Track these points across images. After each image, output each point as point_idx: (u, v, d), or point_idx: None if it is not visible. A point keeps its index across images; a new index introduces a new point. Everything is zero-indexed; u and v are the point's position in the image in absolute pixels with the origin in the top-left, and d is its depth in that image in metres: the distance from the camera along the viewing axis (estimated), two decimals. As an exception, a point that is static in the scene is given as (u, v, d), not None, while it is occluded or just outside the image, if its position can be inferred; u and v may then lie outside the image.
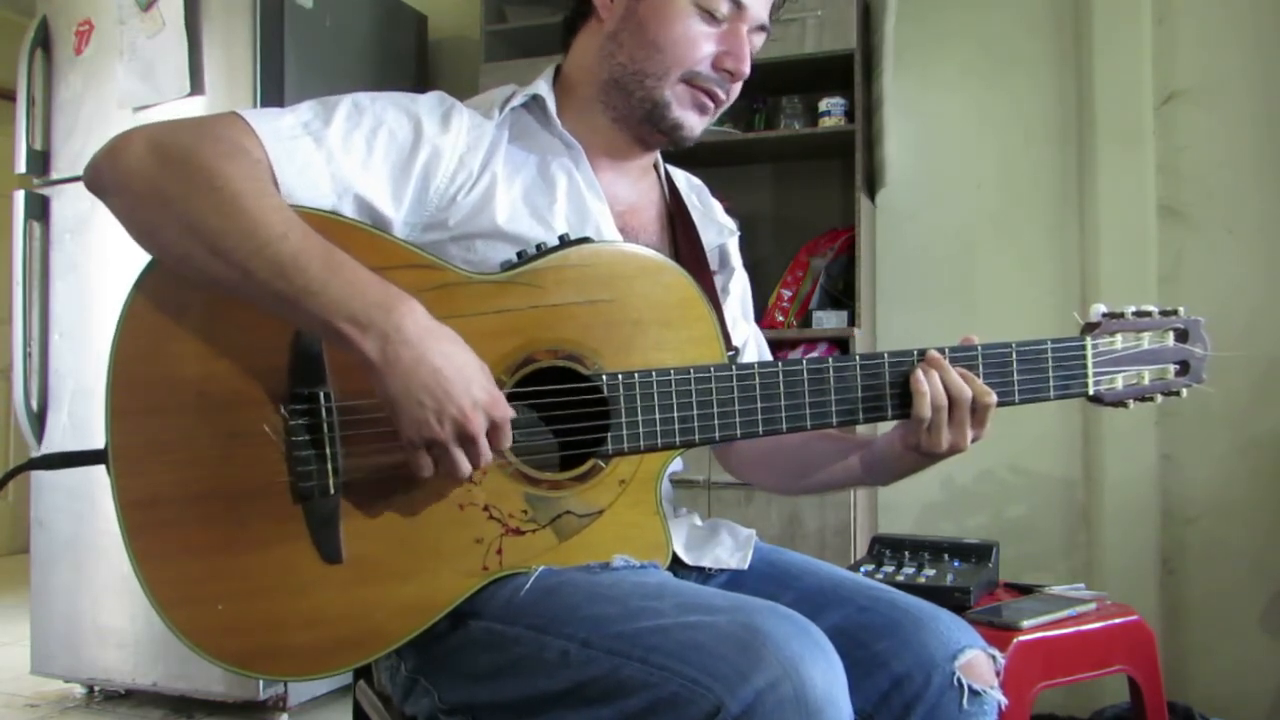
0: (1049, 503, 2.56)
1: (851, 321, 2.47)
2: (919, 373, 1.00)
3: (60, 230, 2.61)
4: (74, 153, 2.60)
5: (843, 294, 2.60)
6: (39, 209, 2.62)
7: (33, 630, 2.65)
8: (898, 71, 2.55)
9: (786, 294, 2.58)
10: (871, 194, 2.61)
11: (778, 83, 2.67)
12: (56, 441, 2.58)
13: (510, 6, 2.96)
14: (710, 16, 1.05)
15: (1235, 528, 2.38)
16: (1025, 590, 1.83)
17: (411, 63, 3.05)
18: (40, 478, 2.62)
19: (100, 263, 2.53)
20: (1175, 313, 1.09)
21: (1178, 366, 1.09)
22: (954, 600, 1.66)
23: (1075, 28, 2.57)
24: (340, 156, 0.96)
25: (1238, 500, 2.38)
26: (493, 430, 0.88)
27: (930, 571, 1.78)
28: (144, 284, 0.91)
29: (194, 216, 0.86)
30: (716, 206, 1.28)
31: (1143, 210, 2.46)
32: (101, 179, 0.91)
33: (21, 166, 2.63)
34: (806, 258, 2.61)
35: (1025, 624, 1.57)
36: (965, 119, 2.67)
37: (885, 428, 1.07)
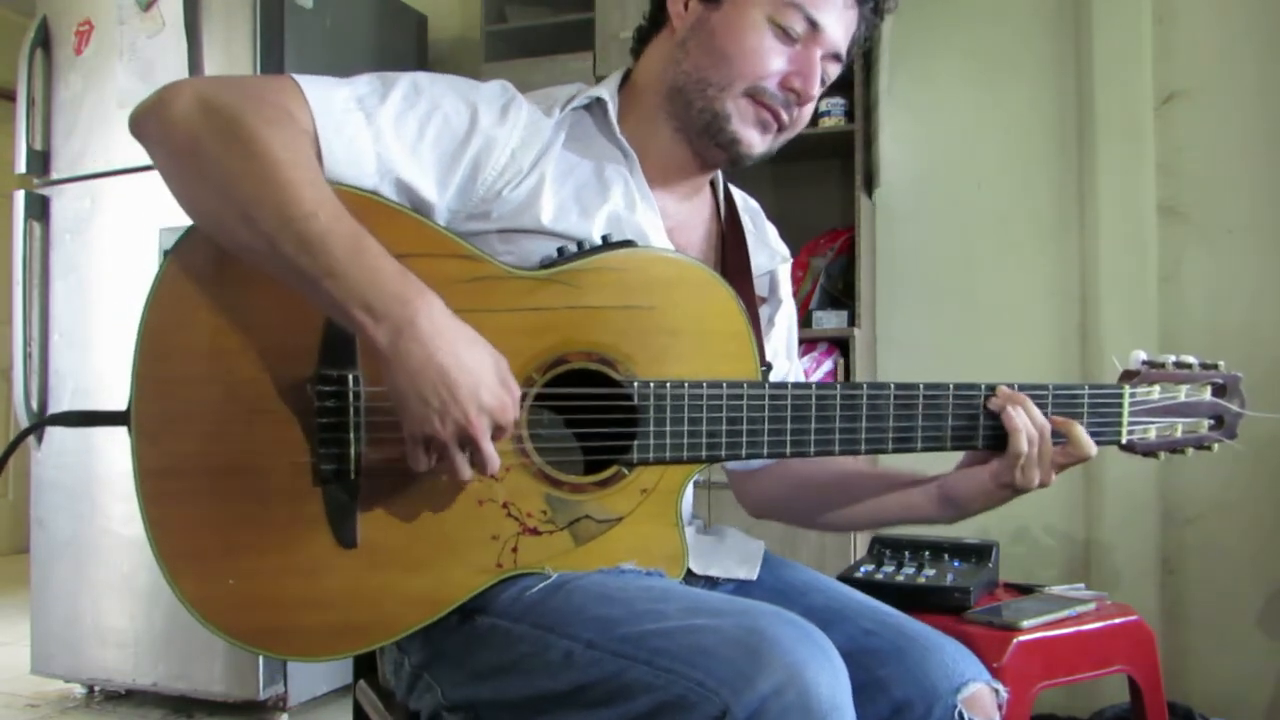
0: (1049, 503, 2.56)
1: (851, 321, 2.47)
2: (1010, 409, 1.00)
3: (60, 230, 2.60)
4: (74, 153, 2.60)
5: (843, 294, 2.60)
6: (39, 209, 2.62)
7: (33, 630, 2.65)
8: (898, 71, 2.55)
9: (786, 294, 2.58)
10: (871, 194, 2.61)
11: (778, 83, 2.67)
12: (57, 441, 2.57)
13: (510, 6, 2.96)
14: (785, 34, 1.02)
15: (1235, 528, 2.38)
16: (1025, 590, 1.83)
17: (412, 63, 3.05)
18: (40, 478, 2.62)
19: (100, 263, 2.53)
20: (1216, 366, 1.09)
21: (1212, 421, 1.09)
22: (954, 600, 1.66)
23: (1075, 28, 2.57)
24: (389, 138, 0.95)
25: (1237, 500, 2.38)
26: (498, 434, 0.87)
27: (930, 571, 1.78)
28: (179, 252, 0.91)
29: (229, 180, 0.85)
30: (771, 231, 1.25)
31: (1143, 210, 2.46)
32: (145, 127, 0.90)
33: (21, 166, 2.63)
34: (806, 258, 2.61)
35: (1025, 624, 1.56)
36: (965, 119, 2.67)
37: (897, 460, 1.06)
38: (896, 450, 1.02)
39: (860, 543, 2.32)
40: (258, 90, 0.91)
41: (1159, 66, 2.47)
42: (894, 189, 2.60)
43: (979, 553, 1.83)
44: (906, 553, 1.87)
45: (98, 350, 2.51)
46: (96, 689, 2.67)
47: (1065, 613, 1.64)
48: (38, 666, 2.64)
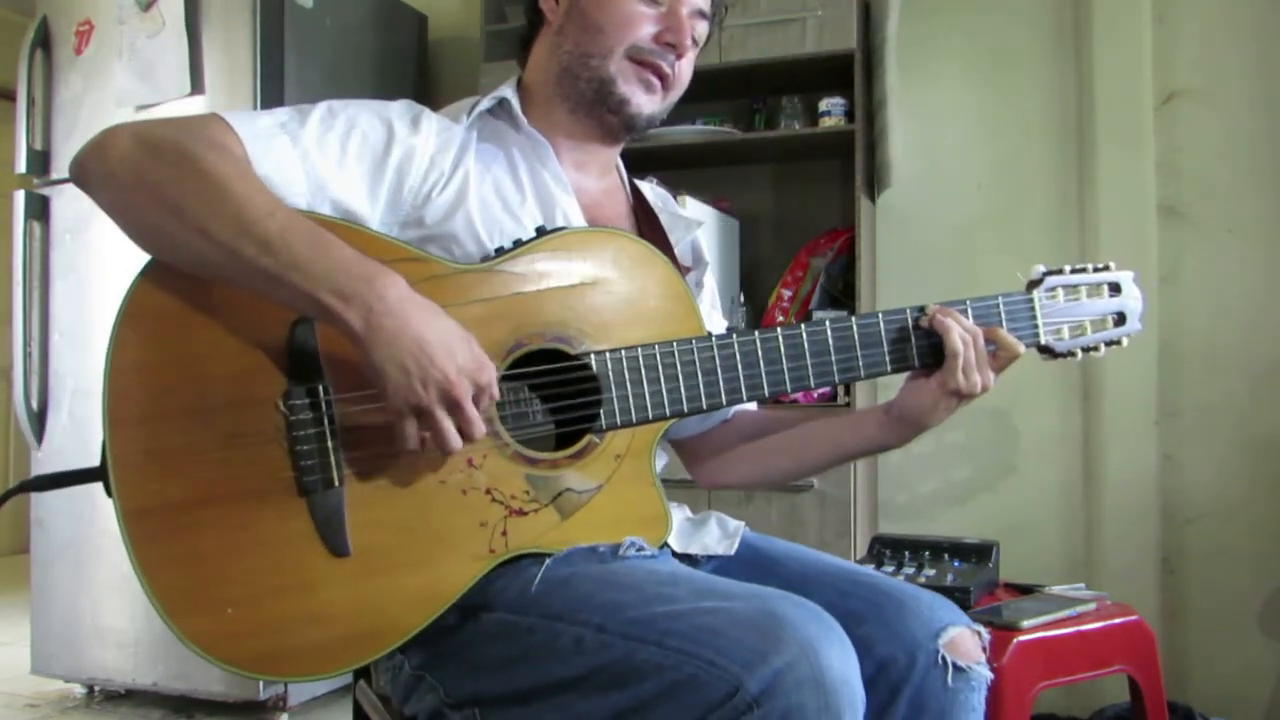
0: (1049, 503, 2.56)
1: (851, 321, 2.47)
2: (939, 315, 1.07)
3: (60, 230, 2.61)
4: (74, 153, 2.59)
5: (843, 294, 2.60)
6: (39, 209, 2.62)
7: (33, 630, 2.65)
8: (898, 71, 2.55)
9: (786, 294, 2.58)
10: (872, 194, 2.61)
11: (778, 83, 2.67)
12: (57, 442, 2.58)
13: (510, 6, 2.96)
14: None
15: (1235, 528, 2.38)
16: (1025, 590, 1.83)
17: (411, 63, 3.05)
18: (40, 478, 2.62)
19: (100, 263, 2.53)
20: (1107, 268, 1.17)
21: (1115, 317, 1.17)
22: (954, 600, 1.66)
23: (1075, 28, 2.57)
24: (315, 156, 0.99)
25: (1238, 500, 2.38)
26: (479, 395, 0.89)
27: (930, 571, 1.78)
28: (135, 294, 0.92)
29: (181, 200, 0.88)
30: (679, 208, 1.32)
31: (1143, 210, 2.46)
32: (87, 172, 0.94)
33: (21, 166, 2.63)
34: (806, 258, 2.61)
35: (1025, 624, 1.57)
36: (965, 119, 2.67)
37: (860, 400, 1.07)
38: (843, 380, 1.08)
39: (860, 543, 2.32)
40: (188, 124, 0.95)
41: (1159, 66, 2.47)
42: (894, 189, 2.59)
43: (979, 553, 1.83)
44: (906, 553, 1.87)
45: (98, 350, 2.47)
46: (96, 689, 2.67)
47: (1065, 613, 1.65)
48: (38, 666, 2.64)
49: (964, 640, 0.96)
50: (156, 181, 0.89)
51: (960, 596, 1.67)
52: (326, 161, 0.99)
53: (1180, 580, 2.43)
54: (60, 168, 2.62)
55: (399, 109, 1.07)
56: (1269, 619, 2.36)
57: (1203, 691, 2.35)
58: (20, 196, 2.60)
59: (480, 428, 0.89)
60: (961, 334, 1.06)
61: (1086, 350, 1.15)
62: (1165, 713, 1.73)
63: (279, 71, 2.44)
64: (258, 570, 0.90)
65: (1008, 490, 2.59)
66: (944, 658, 0.94)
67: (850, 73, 2.48)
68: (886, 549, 1.90)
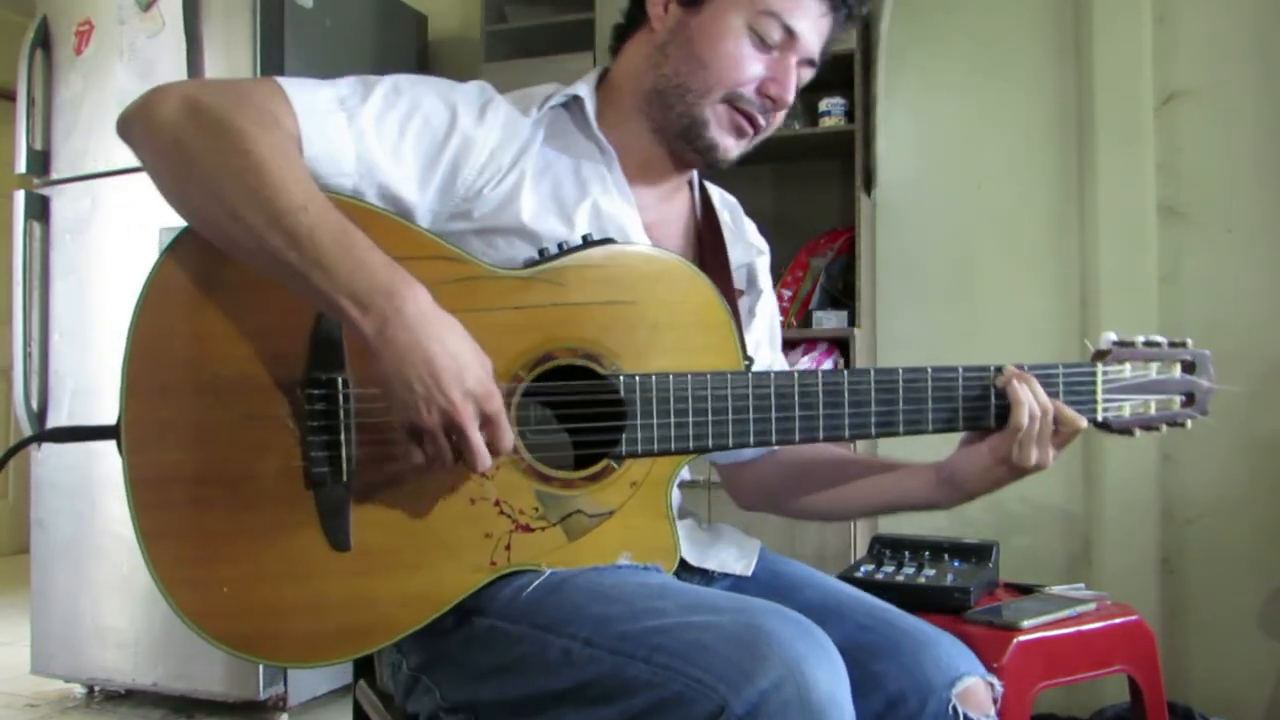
0: (1049, 502, 2.56)
1: (851, 321, 2.47)
2: (1016, 383, 1.01)
3: (60, 230, 2.60)
4: (74, 153, 2.60)
5: (843, 294, 2.60)
6: (39, 209, 2.61)
7: (33, 630, 2.65)
8: (898, 71, 2.55)
9: (786, 294, 2.58)
10: (870, 193, 2.61)
11: (778, 83, 2.67)
12: (56, 441, 2.57)
13: (510, 6, 2.96)
14: (761, 41, 1.05)
15: (1235, 528, 2.38)
16: (1025, 590, 1.83)
17: (411, 63, 3.05)
18: (40, 478, 2.62)
19: (100, 263, 2.53)
20: (1184, 344, 1.11)
21: (1184, 398, 1.10)
22: (954, 600, 1.65)
23: (1075, 28, 2.57)
24: (370, 139, 0.96)
25: (1238, 500, 2.38)
26: (486, 424, 0.87)
27: (930, 571, 1.78)
28: (166, 262, 0.91)
29: (218, 178, 0.86)
30: (749, 226, 1.27)
31: (1143, 210, 2.46)
32: (131, 130, 0.92)
33: (21, 166, 2.63)
34: (806, 258, 2.61)
35: (1025, 624, 1.56)
36: (965, 119, 2.67)
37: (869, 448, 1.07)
38: (880, 434, 1.03)
39: (860, 543, 2.32)
40: (243, 92, 0.92)
41: (1159, 66, 2.47)
42: (894, 189, 2.60)
43: (979, 553, 1.83)
44: (906, 553, 1.87)
45: (98, 350, 2.51)
46: (96, 689, 2.67)
47: (1065, 613, 1.64)
48: (38, 666, 2.64)
49: (977, 691, 0.95)
50: (195, 153, 0.87)
51: (960, 596, 1.66)
52: (382, 146, 0.96)
53: (1180, 580, 2.43)
54: (60, 168, 2.62)
55: (468, 94, 1.03)
56: (1269, 619, 2.36)
57: (1203, 691, 2.35)
58: (20, 196, 2.60)
59: (483, 456, 0.87)
60: (1032, 408, 1.00)
61: (1146, 429, 1.08)
62: (1165, 713, 1.73)
63: (279, 72, 2.44)
64: (257, 554, 0.90)
65: (1008, 490, 2.58)
66: (955, 708, 0.92)
67: (850, 73, 2.48)
68: (887, 549, 1.89)
